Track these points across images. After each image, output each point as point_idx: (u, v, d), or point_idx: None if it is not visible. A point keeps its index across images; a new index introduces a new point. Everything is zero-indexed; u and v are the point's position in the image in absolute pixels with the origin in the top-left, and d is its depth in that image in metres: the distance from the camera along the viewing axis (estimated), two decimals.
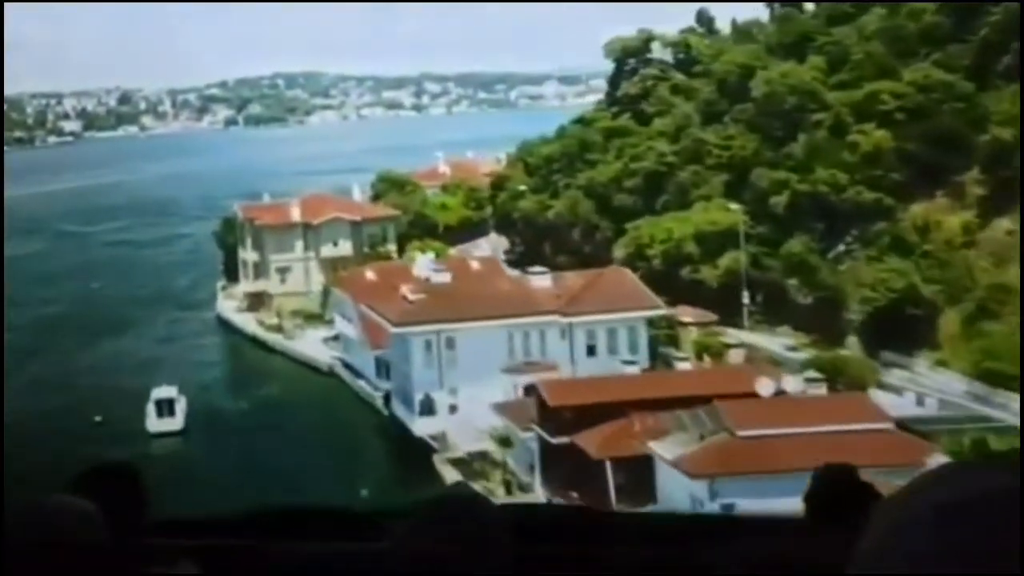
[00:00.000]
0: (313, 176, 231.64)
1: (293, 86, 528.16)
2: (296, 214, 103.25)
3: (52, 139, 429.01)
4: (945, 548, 1.24)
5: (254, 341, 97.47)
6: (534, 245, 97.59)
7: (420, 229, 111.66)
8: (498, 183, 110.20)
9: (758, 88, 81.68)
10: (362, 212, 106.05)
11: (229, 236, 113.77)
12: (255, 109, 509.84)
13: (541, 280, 68.38)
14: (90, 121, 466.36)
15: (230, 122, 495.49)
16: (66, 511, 2.33)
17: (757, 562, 2.92)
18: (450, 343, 65.93)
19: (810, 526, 3.46)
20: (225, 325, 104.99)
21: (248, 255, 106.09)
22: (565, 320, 65.31)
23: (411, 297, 67.06)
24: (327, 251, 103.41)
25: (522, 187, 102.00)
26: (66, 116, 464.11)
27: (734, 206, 77.32)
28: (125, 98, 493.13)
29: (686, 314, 69.34)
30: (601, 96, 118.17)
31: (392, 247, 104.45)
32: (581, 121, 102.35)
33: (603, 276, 69.06)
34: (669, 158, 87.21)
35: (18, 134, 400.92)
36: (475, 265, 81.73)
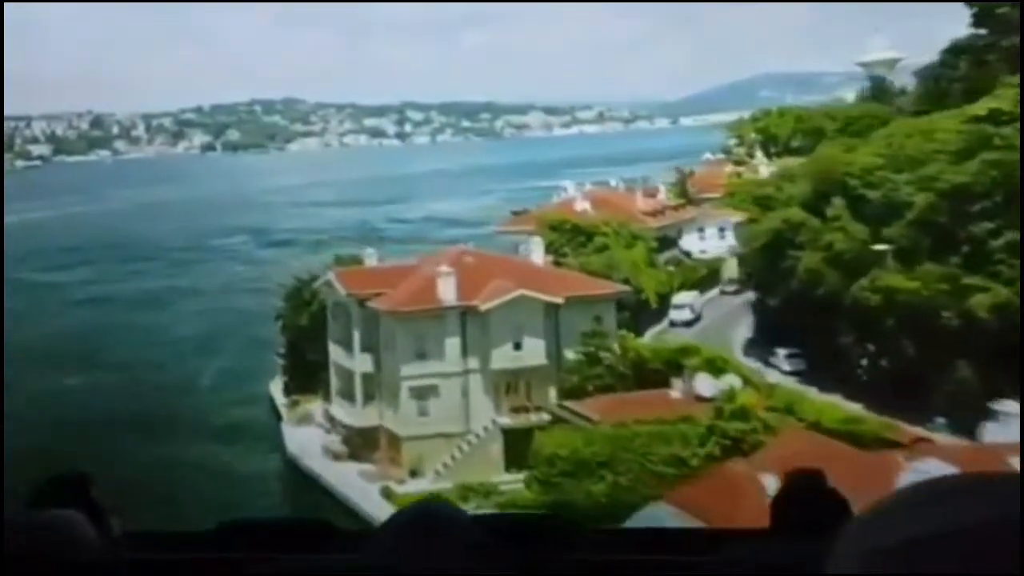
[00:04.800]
0: (310, 208, 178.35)
1: (271, 112, 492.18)
2: (450, 291, 51.55)
3: (19, 163, 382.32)
4: None
5: None
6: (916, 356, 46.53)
7: (627, 308, 60.84)
8: (789, 224, 58.49)
9: None
10: (557, 286, 54.61)
11: (301, 317, 62.00)
12: (233, 135, 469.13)
13: None
14: (60, 145, 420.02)
15: (207, 148, 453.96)
16: (54, 525, 2.09)
17: (738, 570, 2.78)
18: None
19: (781, 534, 3.10)
20: (308, 480, 53.42)
21: (355, 361, 54.19)
22: None
23: None
24: (503, 358, 52.01)
25: (881, 246, 50.90)
26: (35, 140, 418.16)
27: None
28: (97, 122, 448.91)
29: None
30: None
31: (615, 348, 53.27)
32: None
33: None
34: None
35: None
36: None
